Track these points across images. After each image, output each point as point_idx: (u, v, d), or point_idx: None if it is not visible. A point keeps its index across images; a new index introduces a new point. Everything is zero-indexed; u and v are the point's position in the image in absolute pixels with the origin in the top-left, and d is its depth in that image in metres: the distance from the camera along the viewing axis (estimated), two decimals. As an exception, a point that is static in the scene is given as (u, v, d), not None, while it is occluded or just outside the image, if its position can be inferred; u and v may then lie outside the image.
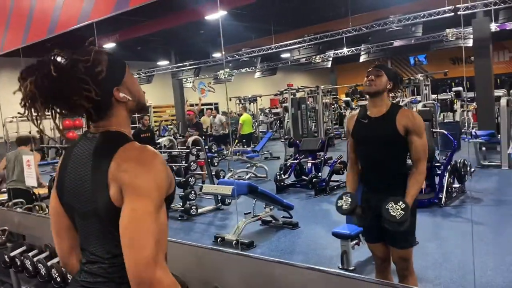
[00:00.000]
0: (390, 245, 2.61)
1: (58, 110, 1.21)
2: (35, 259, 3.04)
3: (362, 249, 4.14)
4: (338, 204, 2.60)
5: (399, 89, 2.70)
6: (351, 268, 3.97)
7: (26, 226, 3.64)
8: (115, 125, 1.26)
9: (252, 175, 9.27)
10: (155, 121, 20.07)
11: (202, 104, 20.29)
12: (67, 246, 1.38)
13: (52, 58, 1.17)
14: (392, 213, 2.30)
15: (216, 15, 11.35)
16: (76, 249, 1.38)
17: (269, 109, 19.95)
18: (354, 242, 4.04)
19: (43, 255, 3.13)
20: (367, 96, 2.66)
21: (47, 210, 4.15)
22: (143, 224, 1.10)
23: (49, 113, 1.22)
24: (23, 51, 3.67)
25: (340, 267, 4.00)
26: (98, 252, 1.26)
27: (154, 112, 20.96)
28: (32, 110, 1.18)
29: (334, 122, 16.56)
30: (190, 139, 6.74)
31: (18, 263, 3.16)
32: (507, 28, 12.19)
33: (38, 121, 1.21)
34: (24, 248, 3.39)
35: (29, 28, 3.34)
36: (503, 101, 9.25)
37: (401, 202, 2.32)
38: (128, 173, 1.14)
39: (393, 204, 2.32)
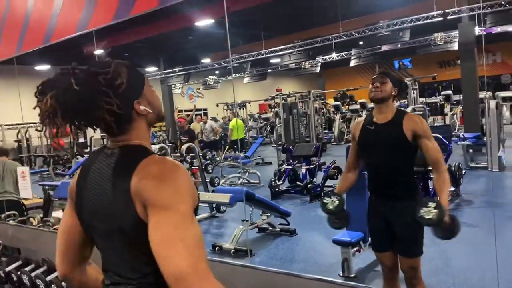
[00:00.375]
0: (399, 254, 2.59)
1: (78, 124, 1.17)
2: (32, 274, 2.95)
3: (362, 256, 4.12)
4: (324, 201, 2.66)
5: (404, 95, 2.70)
6: (352, 275, 3.95)
7: (21, 239, 3.55)
8: (135, 139, 1.22)
9: (245, 180, 9.22)
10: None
11: (190, 110, 20.24)
12: (73, 262, 1.33)
13: (71, 71, 1.13)
14: (427, 217, 2.23)
15: (205, 22, 11.34)
16: (82, 265, 1.35)
17: (258, 115, 19.94)
18: (355, 249, 4.02)
19: (41, 269, 3.04)
20: (373, 103, 2.66)
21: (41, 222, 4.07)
22: (173, 237, 1.04)
23: (69, 128, 1.17)
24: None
25: (341, 274, 3.97)
26: (123, 273, 1.21)
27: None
28: (52, 126, 1.13)
29: (324, 126, 16.60)
30: (184, 146, 6.67)
31: (15, 278, 3.06)
32: (493, 32, 12.45)
33: (58, 137, 1.16)
34: (19, 262, 3.29)
35: (23, 37, 3.27)
36: (492, 104, 9.36)
37: (429, 203, 2.26)
38: (150, 189, 1.09)
39: (423, 209, 2.25)
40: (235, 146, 11.72)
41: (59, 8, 2.93)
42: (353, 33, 11.47)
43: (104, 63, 1.16)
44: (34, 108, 1.16)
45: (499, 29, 12.13)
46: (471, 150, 8.97)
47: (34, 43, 3.22)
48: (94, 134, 14.94)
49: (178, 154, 6.85)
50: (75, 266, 1.34)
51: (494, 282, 3.64)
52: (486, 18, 10.73)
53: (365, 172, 4.26)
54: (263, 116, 19.46)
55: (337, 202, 2.61)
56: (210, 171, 6.85)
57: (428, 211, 2.24)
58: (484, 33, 11.63)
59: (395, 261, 2.64)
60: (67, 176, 10.51)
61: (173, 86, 17.79)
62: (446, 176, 2.46)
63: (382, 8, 11.59)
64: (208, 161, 6.86)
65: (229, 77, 17.45)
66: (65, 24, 2.94)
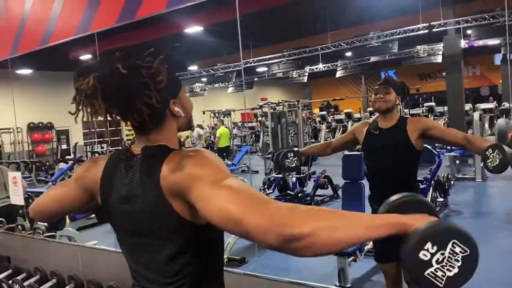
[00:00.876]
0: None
1: (113, 112, 1.12)
2: (25, 283, 2.84)
3: (358, 265, 4.11)
4: (288, 155, 2.98)
5: (407, 99, 2.73)
6: (348, 285, 3.92)
7: (11, 247, 3.43)
8: (165, 140, 1.19)
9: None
10: (126, 135, 19.67)
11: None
12: (50, 217, 1.47)
13: (116, 58, 1.11)
14: (496, 163, 2.19)
15: (194, 29, 11.30)
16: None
17: (242, 123, 19.94)
18: (351, 258, 4.00)
19: (33, 279, 2.94)
20: (377, 113, 2.66)
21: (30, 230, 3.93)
22: (217, 192, 0.98)
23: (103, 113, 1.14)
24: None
25: (337, 284, 3.94)
26: (157, 277, 1.17)
27: (126, 125, 20.55)
28: (88, 108, 1.12)
29: (310, 136, 16.67)
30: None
31: (6, 288, 2.95)
32: (475, 45, 12.74)
33: (92, 120, 1.14)
34: (10, 271, 3.18)
35: (20, 38, 3.18)
36: (476, 116, 9.57)
37: (487, 152, 2.22)
38: (179, 180, 1.06)
39: (488, 161, 2.22)
40: (224, 154, 11.69)
41: (60, 8, 2.86)
42: (342, 43, 11.60)
43: (145, 59, 1.15)
44: (75, 87, 1.13)
45: (480, 42, 12.47)
46: (457, 161, 9.11)
47: (31, 44, 3.13)
48: (78, 141, 14.70)
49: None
50: (49, 218, 1.51)
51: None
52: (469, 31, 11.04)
53: (362, 182, 4.30)
54: (248, 125, 19.48)
55: (295, 163, 2.98)
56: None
57: (493, 159, 2.20)
58: (467, 46, 11.90)
59: (399, 272, 2.61)
60: (50, 183, 10.27)
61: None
62: (479, 137, 2.46)
63: (371, 19, 11.73)
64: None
65: (216, 85, 17.40)
66: (65, 26, 2.87)
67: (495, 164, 2.19)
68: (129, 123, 1.19)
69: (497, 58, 20.62)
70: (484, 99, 20.12)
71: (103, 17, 2.66)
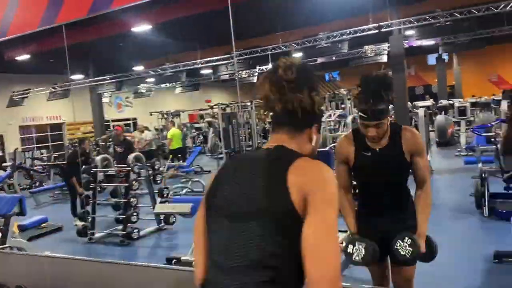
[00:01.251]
0: (393, 263, 2.44)
1: (286, 79, 1.26)
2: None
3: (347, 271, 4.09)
4: (349, 251, 2.34)
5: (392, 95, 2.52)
6: None
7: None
8: (295, 147, 1.30)
9: (189, 189, 9.03)
10: (68, 139, 18.78)
11: (119, 120, 19.42)
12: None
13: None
14: (402, 253, 2.24)
15: (142, 28, 10.96)
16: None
17: (190, 124, 19.74)
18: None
19: (-5, 296, 2.66)
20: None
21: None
22: (325, 242, 1.11)
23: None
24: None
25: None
26: (250, 267, 1.14)
27: (68, 129, 19.69)
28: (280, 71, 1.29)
29: (261, 135, 16.71)
30: (131, 156, 6.30)
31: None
32: (414, 46, 13.39)
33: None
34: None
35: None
36: (421, 112, 10.02)
37: (406, 238, 2.24)
38: (313, 186, 1.15)
39: (399, 242, 2.25)
40: (179, 155, 11.41)
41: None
42: (293, 44, 11.71)
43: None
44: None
45: (419, 42, 13.11)
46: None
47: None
48: (16, 147, 13.76)
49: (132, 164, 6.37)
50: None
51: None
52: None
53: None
54: (196, 126, 19.33)
55: (363, 252, 2.29)
56: (159, 182, 6.56)
57: (404, 247, 2.24)
58: (407, 45, 12.43)
59: (383, 272, 2.54)
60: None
61: (103, 95, 16.90)
62: (430, 199, 2.36)
63: (321, 20, 11.94)
64: (157, 172, 6.55)
65: (162, 85, 16.97)
66: (25, 18, 2.63)
67: (401, 253, 2.24)
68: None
69: (431, 58, 21.83)
70: (418, 97, 21.22)
71: (71, 7, 2.45)
